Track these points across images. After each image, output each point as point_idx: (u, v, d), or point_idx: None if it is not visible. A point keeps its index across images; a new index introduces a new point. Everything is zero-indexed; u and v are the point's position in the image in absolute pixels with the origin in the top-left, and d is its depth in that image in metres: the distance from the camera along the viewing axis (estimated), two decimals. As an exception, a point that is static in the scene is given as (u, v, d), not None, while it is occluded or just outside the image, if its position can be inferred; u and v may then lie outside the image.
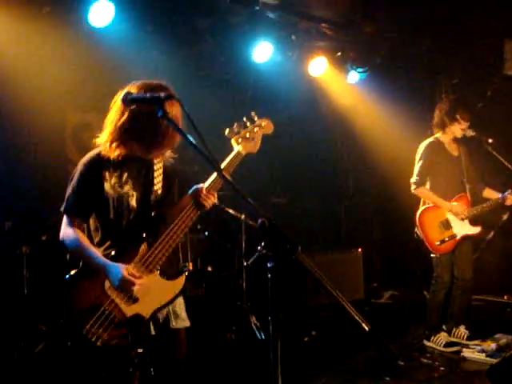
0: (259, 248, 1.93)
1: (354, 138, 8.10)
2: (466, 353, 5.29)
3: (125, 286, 2.80)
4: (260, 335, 5.63)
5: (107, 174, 2.93)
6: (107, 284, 2.83)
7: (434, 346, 5.47)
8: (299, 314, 6.43)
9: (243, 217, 5.78)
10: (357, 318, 2.01)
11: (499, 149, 5.55)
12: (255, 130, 3.15)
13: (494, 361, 4.74)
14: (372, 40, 6.86)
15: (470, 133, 5.52)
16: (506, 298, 7.19)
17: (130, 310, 2.84)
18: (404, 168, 6.34)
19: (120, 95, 2.85)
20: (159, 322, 3.00)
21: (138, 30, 5.70)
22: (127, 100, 2.67)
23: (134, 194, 2.98)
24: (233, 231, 6.08)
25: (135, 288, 2.81)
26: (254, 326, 5.67)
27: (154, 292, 2.89)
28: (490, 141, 5.49)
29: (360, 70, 7.26)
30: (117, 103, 2.90)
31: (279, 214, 7.61)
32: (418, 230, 5.55)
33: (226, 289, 6.00)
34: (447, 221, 5.47)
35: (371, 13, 6.52)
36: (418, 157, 5.61)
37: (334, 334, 6.00)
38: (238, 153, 3.10)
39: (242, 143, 3.11)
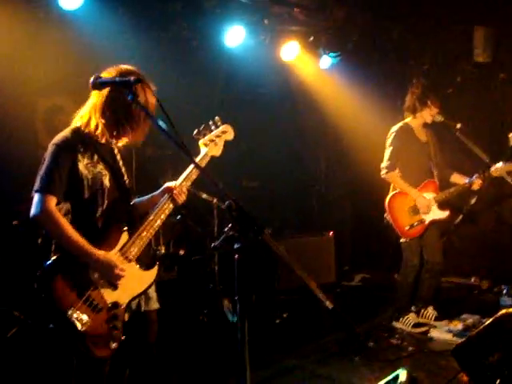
0: (226, 229, 1.98)
1: (325, 123, 8.14)
2: (434, 333, 5.42)
3: (114, 277, 2.89)
4: (232, 318, 5.70)
5: (79, 154, 2.95)
6: (92, 271, 2.88)
7: (403, 326, 5.58)
8: (270, 297, 6.50)
9: (215, 201, 5.81)
10: (320, 296, 2.06)
11: (467, 134, 5.64)
12: (218, 135, 3.46)
13: (460, 340, 4.87)
14: (344, 25, 6.89)
15: (439, 118, 5.61)
16: (473, 280, 7.36)
17: (110, 297, 2.92)
18: (375, 152, 6.41)
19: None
20: (132, 309, 3.10)
21: (110, 12, 5.65)
22: (97, 83, 2.68)
23: (107, 173, 3.04)
24: (204, 215, 6.10)
25: (122, 276, 2.90)
26: (226, 309, 5.74)
27: (130, 281, 2.98)
28: (459, 126, 5.57)
29: (332, 54, 7.29)
30: None
31: (251, 197, 7.66)
32: (387, 216, 5.63)
33: (198, 272, 6.04)
34: (415, 206, 5.55)
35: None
36: (388, 142, 5.68)
37: (305, 317, 6.10)
38: (206, 154, 3.37)
39: (208, 146, 3.39)
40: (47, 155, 2.93)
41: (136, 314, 3.12)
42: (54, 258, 2.86)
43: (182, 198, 3.22)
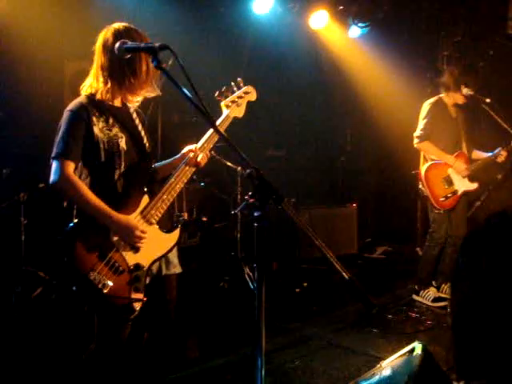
0: (246, 197, 2.00)
1: (353, 93, 8.04)
2: (453, 308, 5.41)
3: (135, 239, 2.90)
4: (253, 285, 5.74)
5: (94, 118, 2.95)
6: (113, 232, 2.91)
7: (423, 300, 5.58)
8: (291, 266, 6.54)
9: (239, 169, 5.83)
10: (337, 266, 2.07)
11: (497, 109, 5.55)
12: (242, 95, 3.40)
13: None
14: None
15: (468, 92, 5.51)
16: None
17: (132, 259, 2.95)
18: (402, 124, 6.37)
19: (103, 37, 2.96)
20: (153, 273, 3.11)
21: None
22: (122, 49, 2.68)
23: (123, 135, 3.03)
24: (228, 182, 6.13)
25: (143, 238, 2.92)
26: (247, 276, 5.79)
27: (152, 243, 2.99)
28: (488, 100, 5.48)
29: (361, 25, 7.17)
30: (102, 48, 2.98)
31: (276, 166, 7.67)
32: (422, 187, 5.59)
33: (221, 239, 6.08)
34: (449, 177, 5.53)
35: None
36: (423, 113, 5.61)
37: (326, 287, 6.14)
38: (228, 116, 3.32)
39: (230, 107, 3.34)
40: (62, 121, 2.93)
41: (157, 279, 3.15)
42: (75, 221, 2.89)
43: (203, 161, 3.19)
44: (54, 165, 2.87)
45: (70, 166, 2.87)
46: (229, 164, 5.78)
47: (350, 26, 7.23)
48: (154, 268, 3.12)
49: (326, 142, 8.52)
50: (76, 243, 2.81)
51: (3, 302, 4.90)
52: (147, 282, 3.03)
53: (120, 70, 2.94)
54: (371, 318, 5.15)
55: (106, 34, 2.97)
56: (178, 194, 3.17)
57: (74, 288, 2.80)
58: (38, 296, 4.99)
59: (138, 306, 2.91)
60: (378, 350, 4.47)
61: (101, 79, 2.97)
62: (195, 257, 5.72)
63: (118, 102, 3.09)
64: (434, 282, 5.67)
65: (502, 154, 5.53)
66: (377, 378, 2.95)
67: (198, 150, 3.17)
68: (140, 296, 2.93)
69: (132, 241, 2.91)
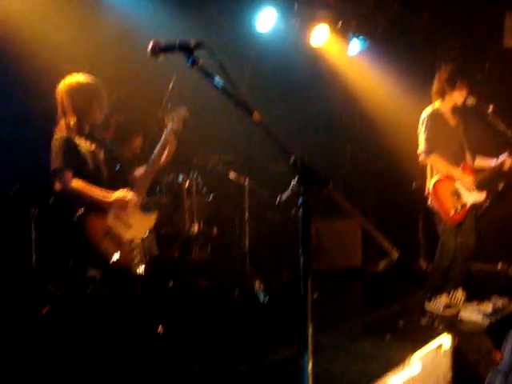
0: (292, 183, 2.03)
1: (353, 108, 8.14)
2: (464, 314, 5.41)
3: (124, 202, 3.96)
4: (263, 298, 5.76)
5: (77, 141, 4.04)
6: (110, 217, 3.95)
7: (434, 308, 5.56)
8: (298, 278, 6.53)
9: (247, 183, 5.88)
10: (386, 244, 2.11)
11: (499, 116, 5.62)
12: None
13: (490, 321, 4.92)
14: (374, 9, 6.89)
15: (471, 101, 5.59)
16: (500, 265, 7.33)
17: (127, 234, 4.00)
18: (402, 137, 6.44)
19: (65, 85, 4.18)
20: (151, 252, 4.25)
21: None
22: (156, 49, 2.70)
23: (101, 150, 4.15)
24: (236, 194, 6.16)
25: (128, 211, 3.99)
26: (258, 290, 5.79)
27: (139, 222, 4.10)
28: (491, 108, 5.55)
29: (362, 37, 7.27)
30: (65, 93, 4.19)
31: (279, 182, 7.68)
32: (432, 202, 5.59)
33: (230, 251, 6.09)
34: (457, 190, 5.54)
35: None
36: (421, 127, 5.61)
37: (334, 299, 6.15)
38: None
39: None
40: (53, 147, 4.05)
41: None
42: (80, 212, 3.88)
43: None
44: (57, 176, 3.97)
45: (70, 174, 3.92)
46: (236, 177, 5.84)
47: (350, 41, 7.31)
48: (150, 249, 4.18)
49: (327, 156, 8.57)
50: (83, 227, 3.88)
51: (13, 319, 4.85)
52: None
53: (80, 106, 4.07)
54: (382, 326, 5.19)
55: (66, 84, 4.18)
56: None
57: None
58: (48, 313, 4.95)
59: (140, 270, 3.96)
60: (396, 355, 4.44)
61: (68, 117, 4.07)
62: (205, 271, 5.71)
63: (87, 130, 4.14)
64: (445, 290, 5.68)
65: (507, 161, 5.58)
66: (407, 372, 2.98)
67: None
68: (140, 262, 3.97)
69: (123, 205, 3.95)
